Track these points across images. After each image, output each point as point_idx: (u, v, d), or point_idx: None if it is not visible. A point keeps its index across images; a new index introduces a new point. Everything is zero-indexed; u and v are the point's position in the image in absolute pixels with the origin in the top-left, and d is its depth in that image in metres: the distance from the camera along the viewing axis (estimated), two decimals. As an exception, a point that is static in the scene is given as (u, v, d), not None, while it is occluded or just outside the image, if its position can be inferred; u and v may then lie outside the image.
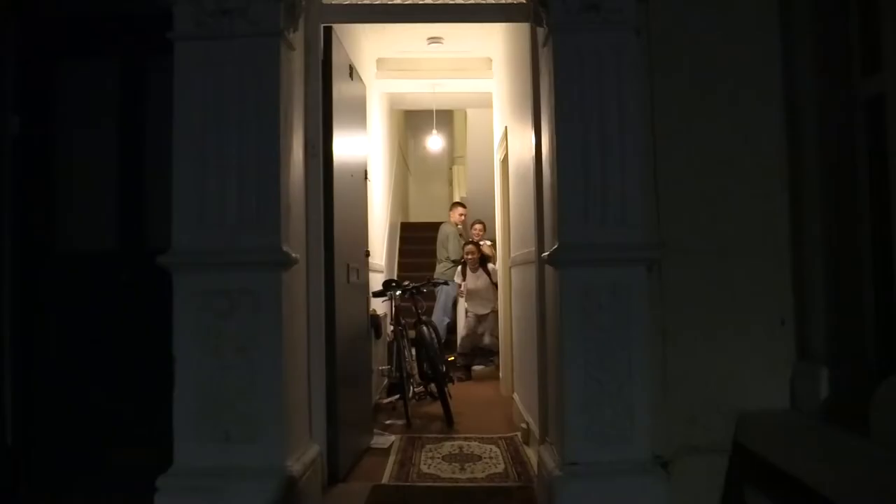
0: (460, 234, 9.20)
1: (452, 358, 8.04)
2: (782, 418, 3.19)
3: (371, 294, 5.71)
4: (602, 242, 3.13)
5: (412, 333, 6.44)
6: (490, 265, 8.18)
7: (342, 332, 4.06)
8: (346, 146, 4.39)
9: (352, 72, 4.60)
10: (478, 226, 8.75)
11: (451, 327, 8.80)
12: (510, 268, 5.75)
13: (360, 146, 4.98)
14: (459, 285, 8.40)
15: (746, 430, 3.22)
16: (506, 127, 6.21)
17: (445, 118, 13.43)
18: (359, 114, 4.93)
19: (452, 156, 14.61)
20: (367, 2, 4.05)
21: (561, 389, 3.16)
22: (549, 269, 3.44)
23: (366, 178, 5.20)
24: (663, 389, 3.26)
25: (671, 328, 3.30)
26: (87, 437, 3.83)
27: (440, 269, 8.97)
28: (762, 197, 3.35)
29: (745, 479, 3.19)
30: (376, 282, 6.52)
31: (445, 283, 8.05)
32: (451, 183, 14.54)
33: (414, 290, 6.52)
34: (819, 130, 3.14)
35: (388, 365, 6.52)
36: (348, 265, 4.32)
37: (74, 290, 4.00)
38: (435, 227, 9.61)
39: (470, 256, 8.23)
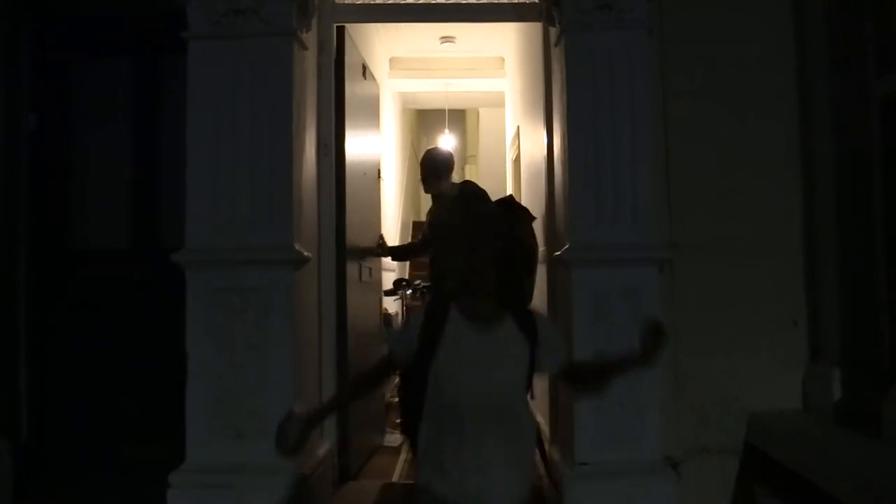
0: None
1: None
2: (794, 419, 3.17)
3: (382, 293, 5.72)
4: (613, 242, 3.13)
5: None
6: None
7: (354, 331, 4.07)
8: (359, 145, 4.40)
9: (364, 71, 4.60)
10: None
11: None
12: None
13: (373, 145, 4.99)
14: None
15: (758, 431, 3.21)
16: (518, 126, 6.21)
17: (458, 117, 13.40)
18: (372, 113, 4.94)
19: (465, 155, 14.57)
20: (380, 1, 4.05)
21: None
22: (559, 269, 3.43)
23: (378, 176, 5.21)
24: (674, 390, 3.25)
25: (682, 328, 3.27)
26: (98, 433, 3.85)
27: None
28: (775, 197, 3.34)
29: (756, 480, 3.18)
30: (389, 280, 6.52)
31: None
32: (463, 182, 14.48)
33: (425, 289, 6.50)
34: (833, 129, 3.12)
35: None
36: (360, 264, 4.33)
37: (88, 288, 4.03)
38: (446, 226, 9.57)
39: None
